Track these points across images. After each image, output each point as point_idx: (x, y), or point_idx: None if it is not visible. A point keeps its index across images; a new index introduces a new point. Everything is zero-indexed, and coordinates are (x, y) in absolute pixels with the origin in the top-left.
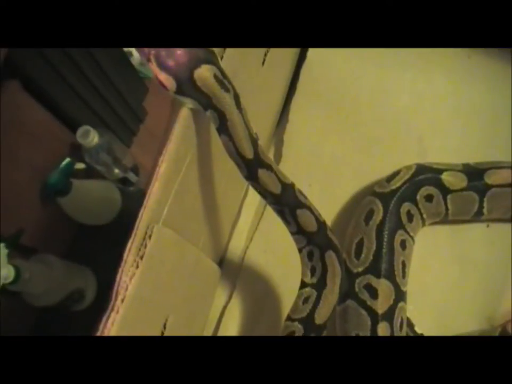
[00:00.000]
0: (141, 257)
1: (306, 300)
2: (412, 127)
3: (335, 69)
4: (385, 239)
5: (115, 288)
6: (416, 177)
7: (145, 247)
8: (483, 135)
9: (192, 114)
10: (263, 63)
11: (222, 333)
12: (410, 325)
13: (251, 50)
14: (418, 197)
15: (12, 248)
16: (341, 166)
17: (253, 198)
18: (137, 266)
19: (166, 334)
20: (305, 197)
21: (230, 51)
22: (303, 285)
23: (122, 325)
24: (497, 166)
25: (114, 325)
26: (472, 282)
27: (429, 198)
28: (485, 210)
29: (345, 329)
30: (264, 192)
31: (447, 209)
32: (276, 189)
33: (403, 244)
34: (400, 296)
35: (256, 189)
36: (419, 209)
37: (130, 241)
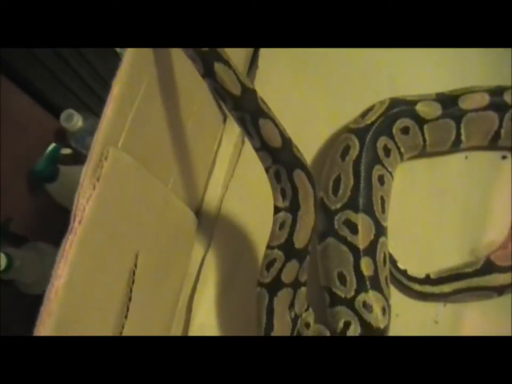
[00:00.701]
0: (97, 179)
1: (282, 225)
2: (383, 68)
3: None
4: (362, 174)
5: (73, 211)
6: (390, 110)
7: (101, 168)
8: (454, 71)
9: None
10: None
11: (201, 283)
12: (393, 261)
13: None
14: (394, 130)
15: (3, 236)
16: (313, 109)
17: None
18: (93, 188)
19: (138, 273)
20: (269, 108)
21: None
22: (277, 210)
23: (81, 248)
24: (470, 91)
25: (72, 247)
26: (453, 215)
27: (405, 130)
28: (463, 138)
29: (327, 267)
30: (222, 93)
31: (424, 140)
32: (236, 89)
33: (381, 179)
34: (380, 231)
35: (214, 88)
36: (396, 143)
37: (86, 163)
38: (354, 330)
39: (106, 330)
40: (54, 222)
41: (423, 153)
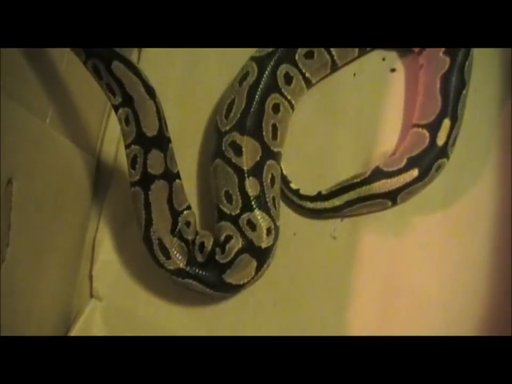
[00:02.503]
0: None
1: (127, 121)
2: None
3: None
4: (256, 99)
5: None
6: None
7: None
8: None
9: None
10: None
11: (103, 223)
12: (286, 182)
13: None
14: (297, 57)
15: None
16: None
17: None
18: None
19: (17, 201)
20: None
21: None
22: (115, 108)
23: None
24: None
25: None
26: (345, 131)
27: (309, 54)
28: None
29: (216, 186)
30: None
31: (331, 55)
32: None
33: (276, 107)
34: (268, 155)
35: None
36: (300, 70)
37: None
38: (234, 244)
39: None
40: None
41: (333, 69)
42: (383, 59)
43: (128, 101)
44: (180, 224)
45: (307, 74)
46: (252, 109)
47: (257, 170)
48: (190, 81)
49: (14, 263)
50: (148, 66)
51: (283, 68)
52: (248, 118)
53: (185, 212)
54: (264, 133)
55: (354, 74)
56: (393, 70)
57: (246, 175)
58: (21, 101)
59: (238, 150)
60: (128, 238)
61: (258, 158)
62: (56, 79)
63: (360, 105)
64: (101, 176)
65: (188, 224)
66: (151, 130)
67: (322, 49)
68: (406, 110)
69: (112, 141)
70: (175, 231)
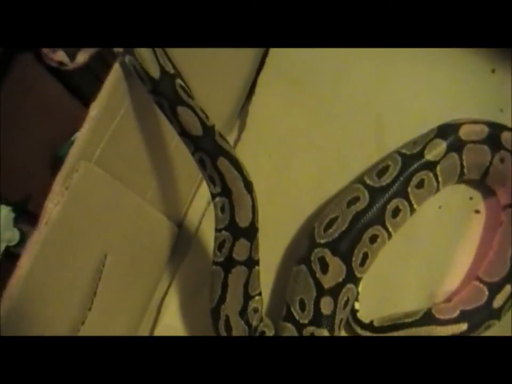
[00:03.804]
0: (67, 188)
1: (222, 209)
2: (372, 105)
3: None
4: (357, 226)
5: (41, 214)
6: (404, 171)
7: (72, 179)
8: (442, 115)
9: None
10: None
11: (173, 288)
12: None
13: None
14: (409, 189)
15: (19, 213)
16: (300, 138)
17: None
18: (62, 195)
19: (106, 272)
20: (190, 96)
21: None
22: (213, 196)
23: (46, 246)
24: (471, 121)
25: (36, 244)
26: (418, 260)
27: (420, 184)
28: (465, 170)
29: (294, 289)
30: (141, 73)
31: (437, 181)
32: (154, 71)
33: (374, 238)
34: (351, 278)
35: (133, 67)
36: (409, 202)
37: (59, 173)
38: None
39: (66, 318)
40: None
41: (435, 194)
42: (470, 198)
43: (226, 192)
44: (249, 309)
45: (415, 205)
46: (351, 234)
47: (335, 291)
48: (283, 173)
49: (90, 325)
50: (244, 149)
51: (394, 203)
52: (344, 241)
53: (256, 298)
54: (353, 258)
55: (440, 207)
56: (477, 212)
57: (324, 293)
58: (126, 180)
59: (324, 267)
60: (195, 308)
61: (340, 280)
62: (163, 159)
63: (437, 238)
64: (179, 242)
65: (255, 310)
66: (243, 221)
67: (431, 175)
68: (476, 259)
69: (197, 212)
70: (244, 314)
